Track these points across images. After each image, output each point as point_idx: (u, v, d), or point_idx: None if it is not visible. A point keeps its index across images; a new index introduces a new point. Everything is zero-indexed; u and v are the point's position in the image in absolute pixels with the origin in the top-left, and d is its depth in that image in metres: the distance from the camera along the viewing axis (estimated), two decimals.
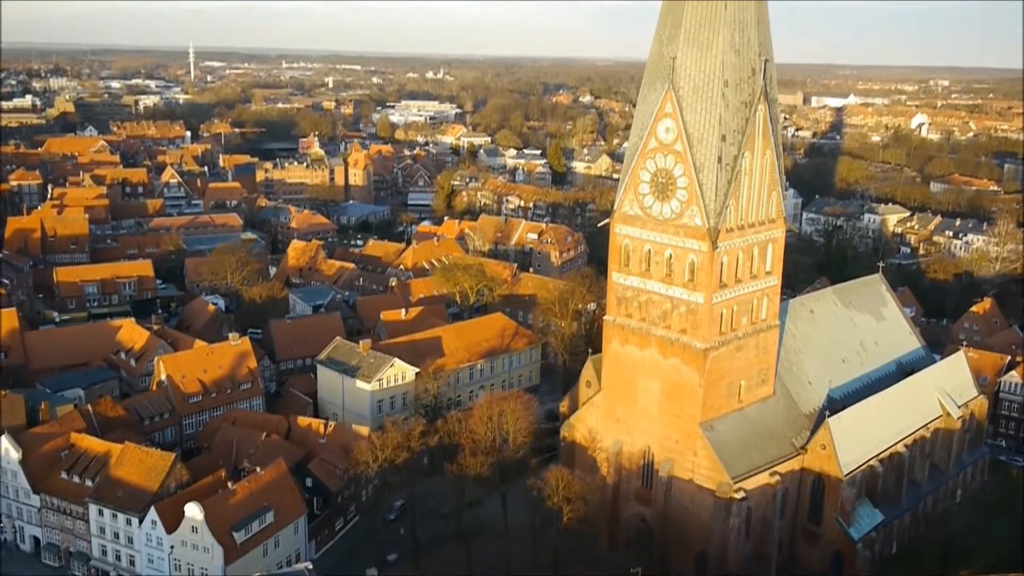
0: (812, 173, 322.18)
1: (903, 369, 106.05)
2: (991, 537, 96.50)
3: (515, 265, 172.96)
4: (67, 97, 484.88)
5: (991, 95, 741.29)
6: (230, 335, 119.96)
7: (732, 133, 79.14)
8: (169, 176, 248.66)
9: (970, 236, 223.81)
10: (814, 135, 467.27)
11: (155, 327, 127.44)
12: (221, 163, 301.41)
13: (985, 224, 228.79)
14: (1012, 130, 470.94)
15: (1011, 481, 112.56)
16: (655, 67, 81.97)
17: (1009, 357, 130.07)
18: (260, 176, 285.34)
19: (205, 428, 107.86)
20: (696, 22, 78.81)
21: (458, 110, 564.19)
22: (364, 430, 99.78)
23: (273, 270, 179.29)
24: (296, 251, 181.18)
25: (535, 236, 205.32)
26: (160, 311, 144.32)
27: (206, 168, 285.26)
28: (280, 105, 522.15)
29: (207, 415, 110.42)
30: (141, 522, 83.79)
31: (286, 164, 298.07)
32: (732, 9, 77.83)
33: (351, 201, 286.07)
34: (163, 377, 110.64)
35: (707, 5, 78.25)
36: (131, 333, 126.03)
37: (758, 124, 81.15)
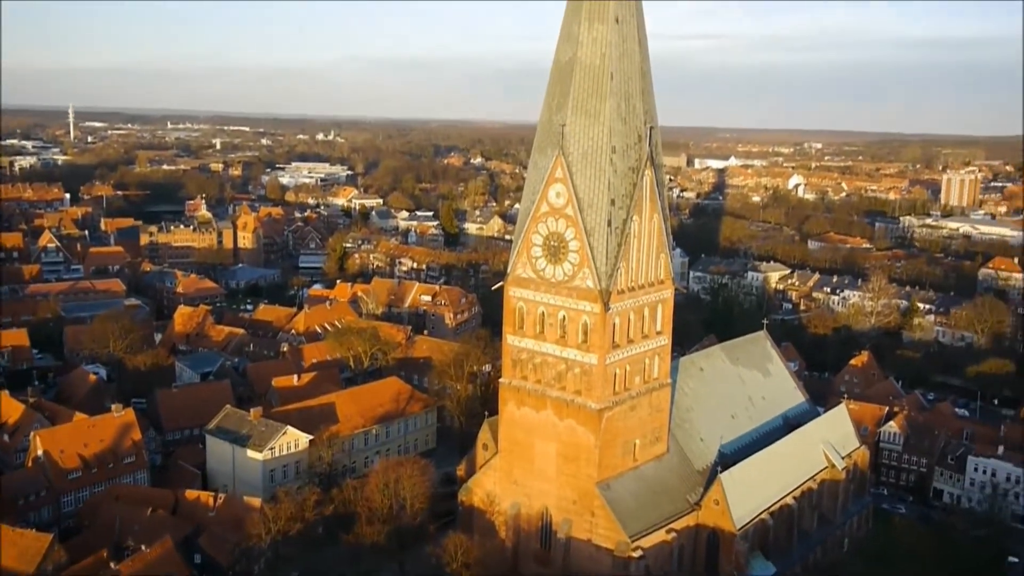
0: (697, 232, 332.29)
1: (789, 423, 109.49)
2: None
3: (409, 328, 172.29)
4: None
5: (860, 157, 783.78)
6: (113, 406, 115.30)
7: (621, 197, 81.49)
8: (47, 240, 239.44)
9: (846, 292, 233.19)
10: (698, 196, 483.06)
11: (31, 400, 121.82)
12: (103, 226, 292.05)
13: (860, 280, 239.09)
14: (881, 190, 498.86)
15: (893, 529, 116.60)
16: (545, 133, 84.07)
17: (887, 408, 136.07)
18: (144, 240, 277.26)
19: (86, 505, 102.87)
20: (584, 92, 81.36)
21: (349, 172, 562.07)
22: (256, 501, 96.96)
23: (159, 337, 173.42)
24: (183, 317, 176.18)
25: (429, 298, 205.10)
26: (37, 382, 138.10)
27: (87, 232, 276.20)
28: (165, 167, 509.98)
29: (88, 491, 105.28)
30: None
31: (172, 227, 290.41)
32: (618, 80, 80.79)
33: (240, 264, 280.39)
34: (39, 453, 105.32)
35: (594, 77, 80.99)
36: (5, 407, 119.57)
37: (645, 188, 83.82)
